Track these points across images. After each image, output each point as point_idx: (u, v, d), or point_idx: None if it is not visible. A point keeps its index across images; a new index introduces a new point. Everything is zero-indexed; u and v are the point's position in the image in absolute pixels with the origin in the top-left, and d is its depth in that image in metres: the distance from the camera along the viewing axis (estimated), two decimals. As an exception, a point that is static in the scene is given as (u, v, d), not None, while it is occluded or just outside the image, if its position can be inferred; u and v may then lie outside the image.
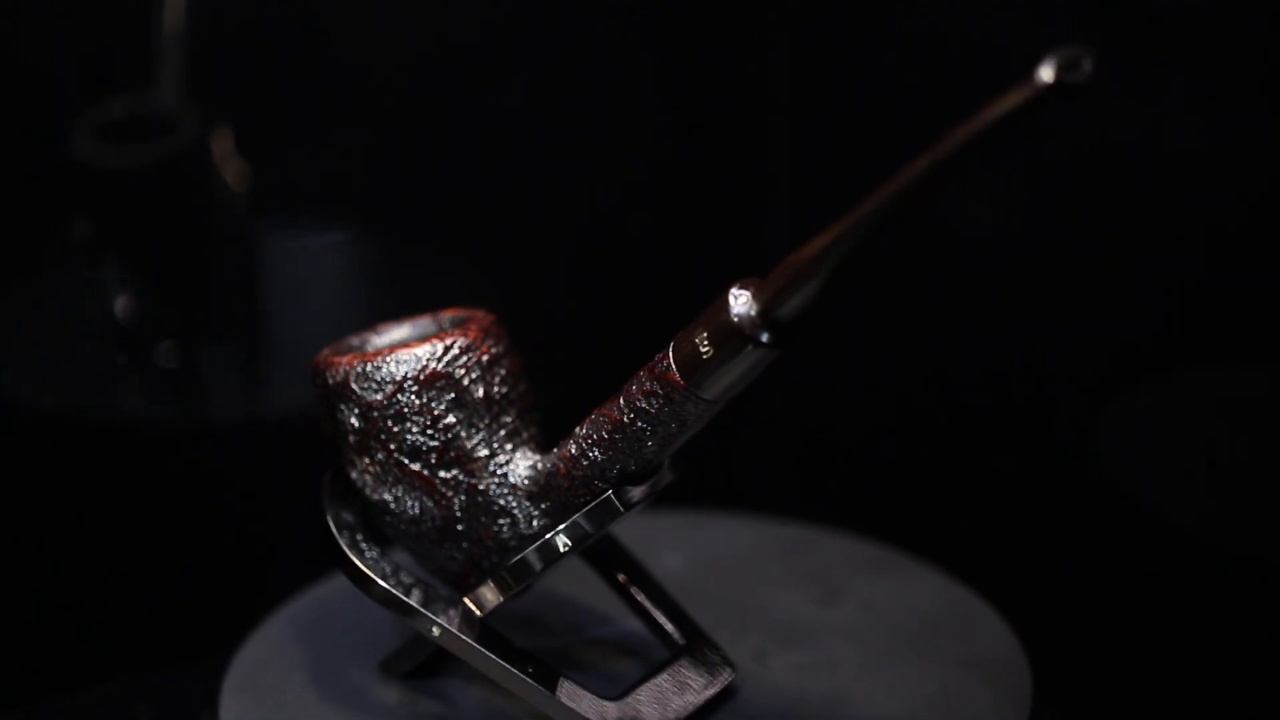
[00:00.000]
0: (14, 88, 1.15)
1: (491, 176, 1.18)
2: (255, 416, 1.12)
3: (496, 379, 0.69)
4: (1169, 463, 1.04)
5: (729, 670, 0.72)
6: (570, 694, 0.69)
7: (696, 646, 0.72)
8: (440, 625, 0.69)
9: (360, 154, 1.20)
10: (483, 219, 1.19)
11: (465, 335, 0.69)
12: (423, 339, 0.70)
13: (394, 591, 0.70)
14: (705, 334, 0.64)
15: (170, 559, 1.07)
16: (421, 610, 0.69)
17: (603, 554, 0.74)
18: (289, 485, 1.06)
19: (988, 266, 1.11)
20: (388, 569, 0.71)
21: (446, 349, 0.69)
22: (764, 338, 0.63)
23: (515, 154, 1.18)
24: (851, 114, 1.15)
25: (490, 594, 0.69)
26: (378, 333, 0.73)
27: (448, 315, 0.73)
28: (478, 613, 0.69)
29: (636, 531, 0.82)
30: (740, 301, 0.63)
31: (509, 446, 0.69)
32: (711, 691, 0.71)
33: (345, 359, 0.69)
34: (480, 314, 0.72)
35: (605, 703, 0.69)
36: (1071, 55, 0.55)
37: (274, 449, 1.09)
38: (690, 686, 0.70)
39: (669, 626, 0.73)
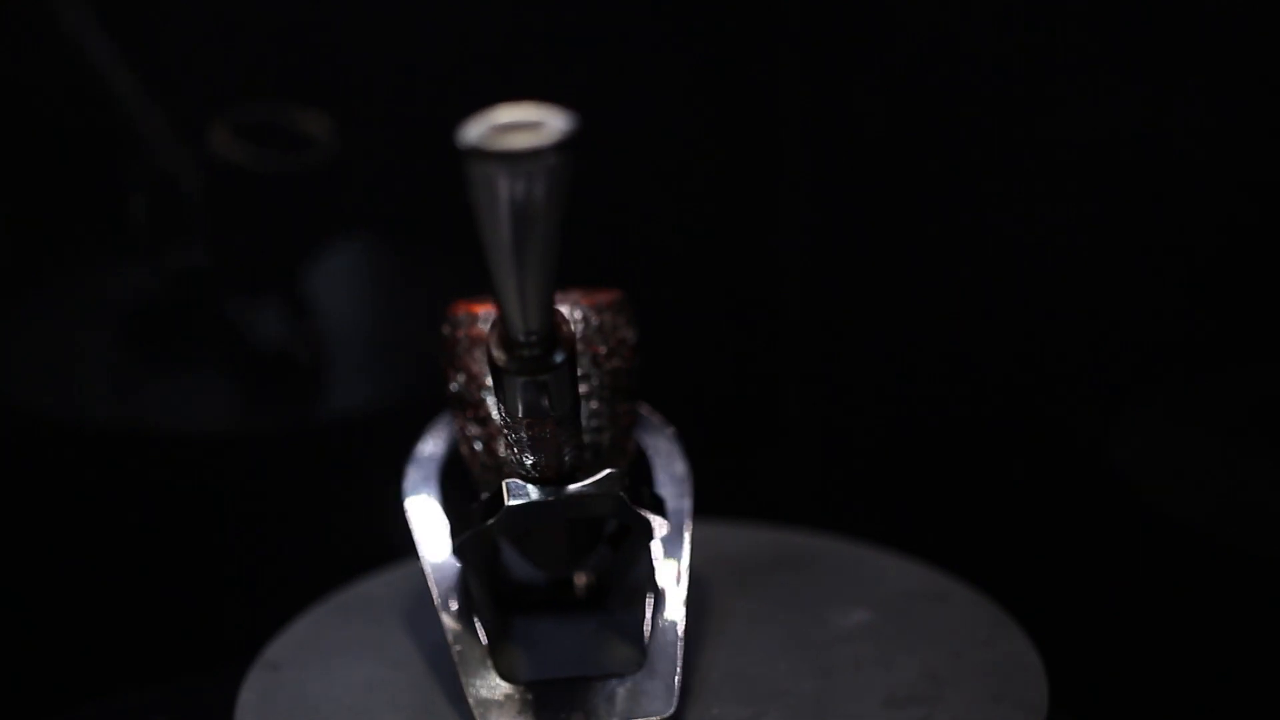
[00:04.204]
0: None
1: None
2: (275, 426, 1.12)
3: None
4: (1187, 466, 1.03)
5: (659, 713, 0.66)
6: (471, 668, 0.67)
7: (652, 677, 0.67)
8: (422, 558, 0.69)
9: (374, 155, 1.19)
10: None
11: None
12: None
13: (406, 508, 0.70)
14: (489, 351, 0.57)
15: (187, 568, 1.07)
16: (414, 534, 0.69)
17: (662, 563, 0.71)
18: (310, 495, 1.06)
19: (1000, 268, 1.11)
20: (431, 489, 0.71)
21: None
22: (502, 362, 0.56)
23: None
24: (863, 110, 1.15)
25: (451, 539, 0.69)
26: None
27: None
28: (446, 556, 0.69)
29: (849, 581, 0.74)
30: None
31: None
32: None
33: (466, 300, 0.71)
34: (579, 295, 0.70)
35: (499, 683, 0.67)
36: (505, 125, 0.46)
37: (297, 458, 1.09)
38: (604, 709, 0.66)
39: (646, 645, 0.68)
